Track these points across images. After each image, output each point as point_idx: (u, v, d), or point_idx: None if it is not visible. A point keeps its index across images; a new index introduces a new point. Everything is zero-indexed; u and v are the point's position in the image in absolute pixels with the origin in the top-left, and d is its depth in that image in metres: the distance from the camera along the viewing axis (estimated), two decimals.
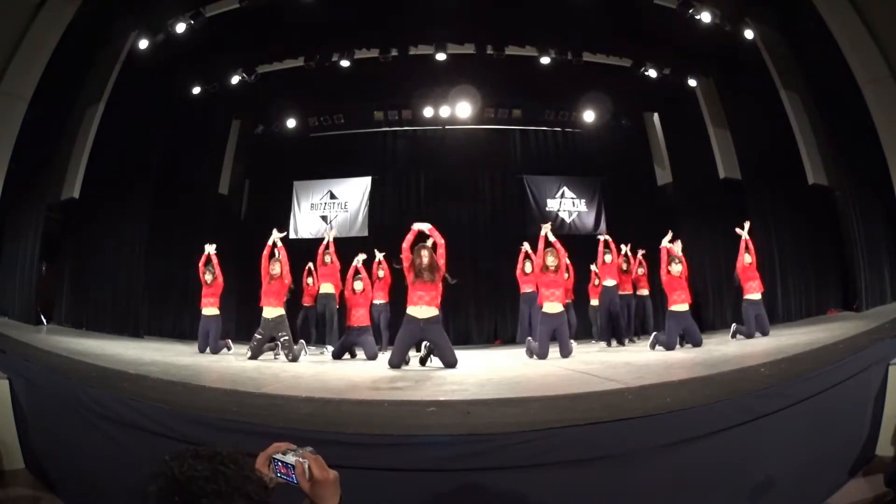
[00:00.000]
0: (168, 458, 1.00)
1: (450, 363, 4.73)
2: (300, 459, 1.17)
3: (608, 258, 7.14)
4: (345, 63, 8.47)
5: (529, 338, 5.84)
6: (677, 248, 6.04)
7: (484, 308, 10.11)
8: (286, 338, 5.66)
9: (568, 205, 10.41)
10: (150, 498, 0.97)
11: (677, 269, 5.82)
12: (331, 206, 10.46)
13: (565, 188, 10.46)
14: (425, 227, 4.96)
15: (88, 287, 7.48)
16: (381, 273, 7.31)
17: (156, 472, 0.98)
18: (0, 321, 5.74)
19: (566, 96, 9.82)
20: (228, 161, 9.79)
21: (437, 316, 4.86)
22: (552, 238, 5.65)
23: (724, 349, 5.26)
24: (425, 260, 4.81)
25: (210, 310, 6.32)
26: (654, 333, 6.12)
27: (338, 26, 7.80)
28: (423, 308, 4.77)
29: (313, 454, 1.19)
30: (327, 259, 6.96)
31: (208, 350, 6.19)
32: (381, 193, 10.51)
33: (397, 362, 4.79)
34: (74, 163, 6.86)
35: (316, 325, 7.67)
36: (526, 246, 6.99)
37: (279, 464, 1.19)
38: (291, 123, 10.28)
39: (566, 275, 6.46)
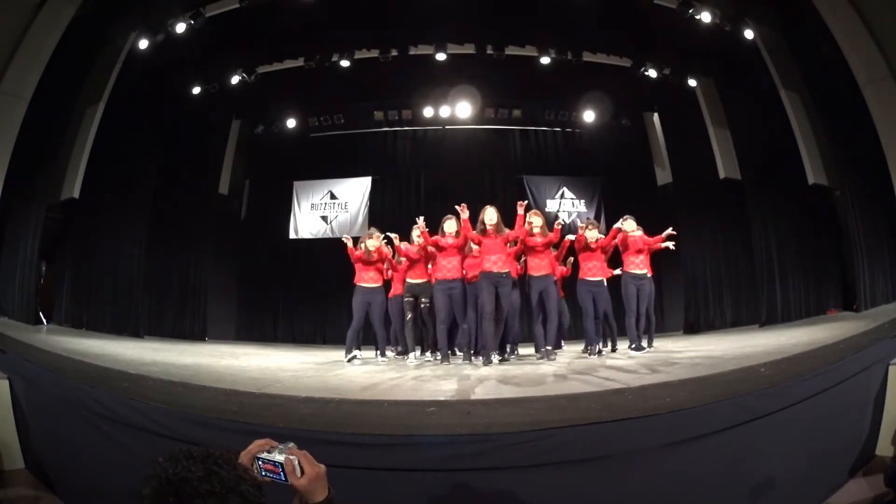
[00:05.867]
0: (161, 459, 1.00)
1: None
2: (289, 457, 1.15)
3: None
4: (345, 63, 8.46)
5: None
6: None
7: None
8: (427, 304, 5.66)
9: (568, 205, 10.39)
10: (145, 499, 0.97)
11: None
12: (331, 207, 10.44)
13: (565, 188, 10.44)
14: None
15: (88, 287, 7.46)
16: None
17: (149, 474, 0.99)
18: (0, 321, 5.74)
19: (566, 96, 9.80)
20: (228, 161, 9.77)
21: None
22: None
23: (724, 348, 5.26)
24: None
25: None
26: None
27: (338, 26, 7.79)
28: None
29: (299, 450, 1.18)
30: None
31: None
32: (381, 194, 10.48)
33: None
34: (74, 163, 6.85)
35: None
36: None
37: (266, 462, 1.16)
38: (291, 123, 10.27)
39: None
